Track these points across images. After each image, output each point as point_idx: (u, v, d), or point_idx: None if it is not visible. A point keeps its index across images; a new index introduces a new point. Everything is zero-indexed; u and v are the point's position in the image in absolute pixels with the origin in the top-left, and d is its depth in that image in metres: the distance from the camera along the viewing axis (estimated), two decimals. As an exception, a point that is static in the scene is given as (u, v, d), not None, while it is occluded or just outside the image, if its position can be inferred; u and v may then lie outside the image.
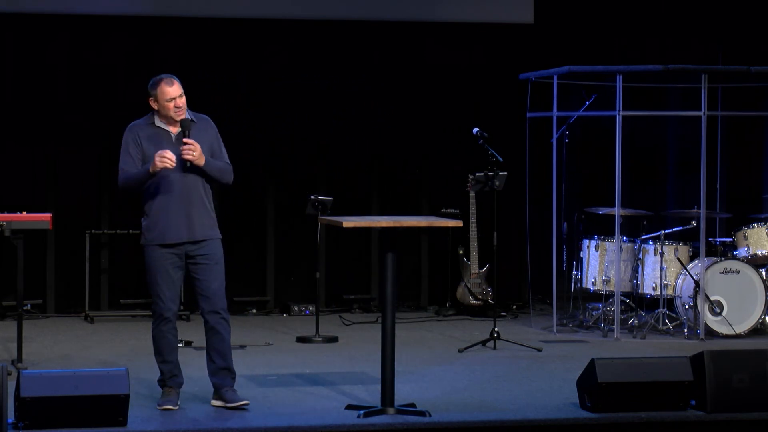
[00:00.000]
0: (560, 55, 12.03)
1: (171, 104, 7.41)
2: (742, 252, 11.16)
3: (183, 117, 7.45)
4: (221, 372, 7.56)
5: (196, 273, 7.52)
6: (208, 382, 8.45)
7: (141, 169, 7.44)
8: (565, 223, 11.43)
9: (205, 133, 7.55)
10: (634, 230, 11.26)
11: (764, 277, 10.81)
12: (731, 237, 11.36)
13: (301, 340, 10.43)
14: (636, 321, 11.01)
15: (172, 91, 7.41)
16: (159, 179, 7.43)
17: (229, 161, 7.62)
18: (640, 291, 11.13)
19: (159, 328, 7.53)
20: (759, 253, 11.10)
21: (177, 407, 7.47)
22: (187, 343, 10.07)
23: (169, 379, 7.57)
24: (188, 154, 7.33)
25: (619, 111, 10.62)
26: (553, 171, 11.02)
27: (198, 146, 7.37)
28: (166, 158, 7.28)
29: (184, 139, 7.37)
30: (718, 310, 10.67)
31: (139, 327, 11.19)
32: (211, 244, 7.54)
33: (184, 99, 7.45)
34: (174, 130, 7.50)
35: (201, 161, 7.39)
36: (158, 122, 7.51)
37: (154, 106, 7.49)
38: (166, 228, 7.48)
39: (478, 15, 12.63)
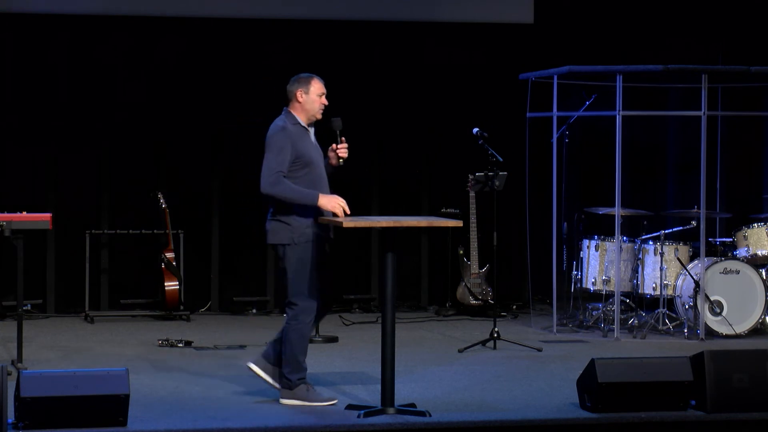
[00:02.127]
0: (560, 55, 12.03)
1: (322, 99, 7.62)
2: (742, 252, 11.16)
3: (319, 117, 7.67)
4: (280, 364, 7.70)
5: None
6: (209, 381, 8.47)
7: (305, 193, 7.48)
8: (565, 223, 11.43)
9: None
10: (634, 230, 11.26)
11: (764, 277, 10.81)
12: (731, 237, 11.36)
13: (301, 340, 10.42)
14: (636, 321, 11.01)
15: (322, 88, 7.64)
16: (313, 179, 7.57)
17: None
18: (640, 291, 11.13)
19: (309, 321, 7.68)
20: (759, 253, 11.11)
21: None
22: (187, 343, 10.08)
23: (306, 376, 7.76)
24: (344, 154, 7.67)
25: (619, 111, 10.63)
26: (553, 171, 11.02)
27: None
28: (340, 206, 7.46)
29: (342, 138, 7.66)
30: (718, 310, 10.68)
31: (139, 327, 11.20)
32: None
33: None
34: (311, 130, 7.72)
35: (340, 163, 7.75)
36: (301, 121, 7.65)
37: (301, 100, 7.61)
38: (321, 224, 7.60)
39: (478, 15, 12.63)
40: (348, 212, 7.53)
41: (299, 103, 7.63)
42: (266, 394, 7.96)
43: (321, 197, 7.50)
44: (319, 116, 7.66)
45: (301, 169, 7.54)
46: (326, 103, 7.66)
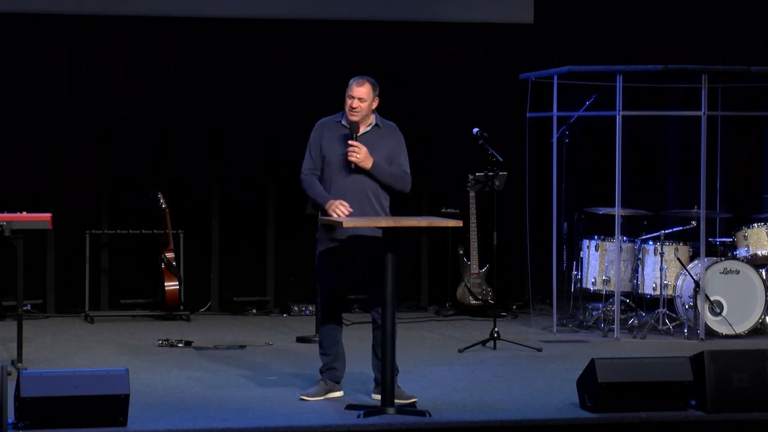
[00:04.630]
0: (560, 55, 12.03)
1: (349, 101, 7.68)
2: (742, 252, 11.16)
3: (356, 119, 7.68)
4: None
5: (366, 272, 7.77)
6: (209, 381, 8.47)
7: (320, 197, 7.69)
8: (565, 223, 11.43)
9: (385, 139, 7.80)
10: (634, 230, 11.26)
11: (764, 277, 10.81)
12: (731, 237, 11.36)
13: (301, 340, 10.43)
14: (636, 321, 11.01)
15: (353, 89, 7.70)
16: (333, 181, 7.69)
17: (408, 170, 7.84)
18: (640, 291, 11.13)
19: (327, 322, 7.95)
20: (759, 253, 11.10)
21: (311, 398, 7.75)
22: (187, 343, 10.08)
23: (326, 371, 7.90)
24: (352, 156, 7.61)
25: (619, 111, 10.62)
26: (553, 171, 11.02)
27: (363, 149, 7.63)
28: (340, 209, 7.56)
29: (350, 141, 7.64)
30: (718, 310, 10.68)
31: (139, 327, 11.19)
32: (376, 245, 7.64)
33: (363, 104, 7.69)
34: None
35: (366, 164, 7.65)
36: (345, 120, 7.74)
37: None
38: (329, 225, 7.68)
39: (478, 15, 12.63)
40: (347, 213, 7.57)
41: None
42: (266, 395, 7.97)
43: (328, 202, 7.61)
44: (351, 116, 7.70)
45: (326, 167, 7.75)
46: (355, 107, 7.68)
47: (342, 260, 7.78)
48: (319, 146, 7.77)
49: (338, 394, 7.90)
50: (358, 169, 7.68)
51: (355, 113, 7.69)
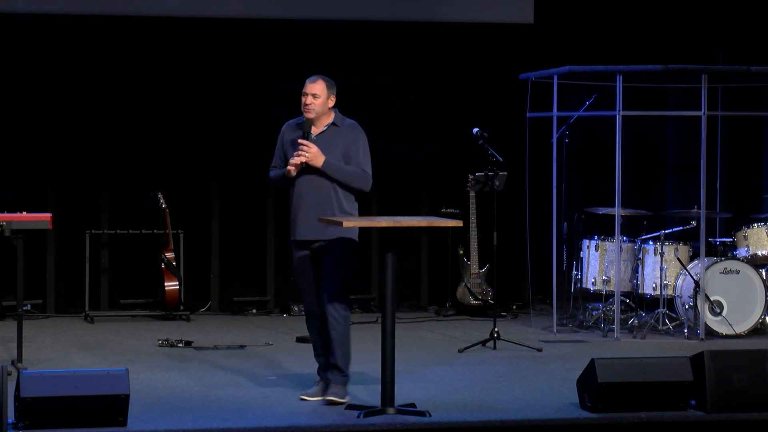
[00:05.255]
0: (560, 55, 12.03)
1: (302, 98, 7.68)
2: (742, 252, 11.16)
3: (311, 116, 7.67)
4: (331, 368, 7.71)
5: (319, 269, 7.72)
6: (210, 381, 8.47)
7: (279, 171, 7.78)
8: (565, 223, 11.43)
9: (342, 137, 7.72)
10: (634, 230, 11.26)
11: (764, 277, 10.81)
12: (731, 237, 11.36)
13: (301, 340, 10.42)
14: (636, 321, 11.01)
15: (306, 86, 7.70)
16: (296, 179, 7.69)
17: (366, 168, 7.73)
18: (640, 291, 11.13)
19: (307, 323, 7.88)
20: (759, 253, 11.10)
21: (315, 399, 7.68)
22: (187, 343, 10.08)
23: (321, 372, 7.83)
24: (301, 155, 7.58)
25: (619, 111, 10.62)
26: (553, 171, 11.02)
27: (314, 148, 7.58)
28: (291, 163, 7.61)
29: (299, 140, 7.62)
30: (718, 310, 10.68)
31: (139, 327, 11.20)
32: (331, 245, 7.66)
33: (317, 101, 7.66)
34: (314, 130, 7.73)
35: (316, 163, 7.59)
36: (305, 119, 7.75)
37: None
38: (292, 224, 7.75)
39: (478, 15, 12.63)
40: (297, 163, 7.57)
41: None
42: (266, 395, 7.97)
43: (285, 169, 7.72)
44: (305, 114, 7.70)
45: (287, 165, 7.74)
46: (308, 103, 7.67)
47: (303, 264, 7.76)
48: (281, 148, 7.81)
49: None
50: (315, 169, 7.62)
51: (309, 110, 7.66)
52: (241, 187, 12.32)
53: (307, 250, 7.74)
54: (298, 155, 7.59)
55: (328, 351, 7.71)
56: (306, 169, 7.64)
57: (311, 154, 7.58)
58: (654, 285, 11.02)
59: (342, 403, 7.57)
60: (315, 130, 7.72)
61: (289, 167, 7.66)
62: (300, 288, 7.85)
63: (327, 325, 7.66)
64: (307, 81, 7.72)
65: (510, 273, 12.59)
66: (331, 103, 7.75)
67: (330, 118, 7.75)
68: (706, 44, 12.83)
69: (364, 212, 12.00)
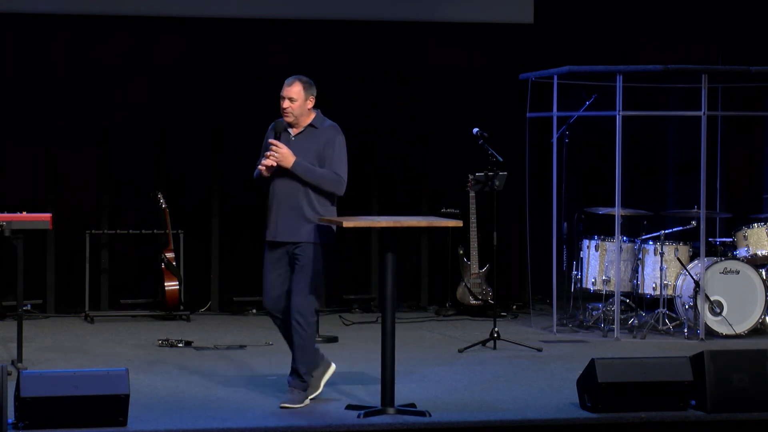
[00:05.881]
0: (560, 55, 12.03)
1: (281, 102, 7.62)
2: (742, 252, 11.16)
3: (290, 120, 7.61)
4: (292, 372, 7.68)
5: (291, 273, 7.64)
6: (209, 381, 8.47)
7: (257, 171, 7.76)
8: (565, 223, 11.43)
9: (315, 139, 7.63)
10: (634, 230, 11.26)
11: (764, 277, 10.81)
12: (731, 237, 11.36)
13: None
14: (636, 321, 11.01)
15: (284, 89, 7.64)
16: (270, 179, 7.65)
17: (340, 172, 7.60)
18: (640, 291, 11.13)
19: (275, 323, 7.77)
20: (759, 253, 11.10)
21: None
22: (187, 343, 10.08)
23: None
24: (271, 156, 7.53)
25: (619, 111, 10.62)
26: (553, 171, 11.02)
27: (283, 149, 7.52)
28: (263, 164, 7.59)
29: (270, 141, 7.58)
30: (718, 310, 10.68)
31: (139, 327, 11.19)
32: (304, 248, 7.57)
33: (294, 104, 7.59)
34: (294, 131, 7.68)
35: (285, 164, 7.53)
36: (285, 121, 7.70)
37: None
38: (268, 225, 7.66)
39: (478, 15, 12.63)
40: (265, 165, 7.56)
41: None
42: (266, 395, 7.97)
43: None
44: (284, 117, 7.64)
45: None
46: (285, 107, 7.60)
47: (272, 264, 7.66)
48: (265, 147, 7.72)
49: (331, 368, 7.84)
50: (289, 171, 7.55)
51: (287, 114, 7.60)
52: (241, 187, 12.28)
53: (279, 251, 7.63)
54: (269, 156, 7.55)
55: (292, 356, 7.65)
56: (280, 170, 7.57)
57: (281, 154, 7.51)
58: (654, 285, 11.02)
59: (298, 409, 7.52)
60: (294, 131, 7.66)
61: (260, 167, 7.63)
62: (264, 288, 7.71)
63: (290, 329, 7.60)
64: (285, 84, 7.64)
65: (510, 273, 12.59)
66: (310, 104, 7.66)
67: (310, 118, 7.67)
68: (706, 44, 12.83)
69: (364, 212, 12.08)
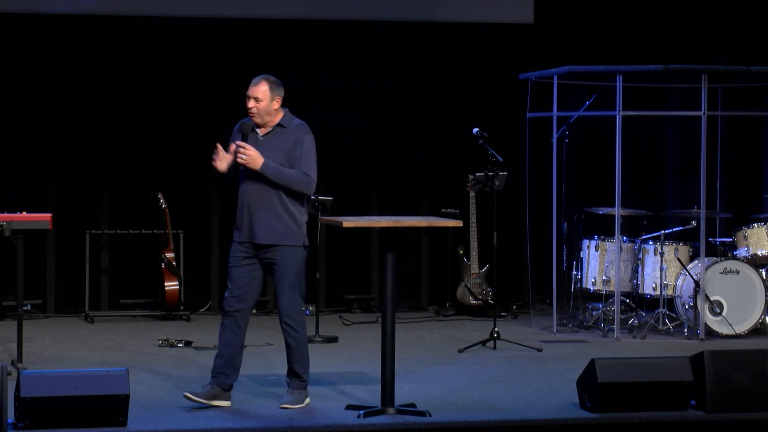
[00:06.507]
0: (560, 55, 12.04)
1: (246, 102, 7.54)
2: (742, 252, 11.16)
3: (257, 120, 7.54)
4: (289, 372, 7.65)
5: (272, 278, 7.60)
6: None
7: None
8: (565, 223, 11.43)
9: (284, 138, 7.55)
10: (634, 230, 11.26)
11: (764, 277, 10.81)
12: (731, 237, 11.36)
13: (301, 340, 10.41)
14: (636, 321, 11.01)
15: (249, 89, 7.55)
16: (240, 179, 7.58)
17: (309, 172, 7.51)
18: (640, 291, 11.14)
19: (222, 320, 7.63)
20: (759, 253, 11.11)
21: (199, 400, 7.45)
22: (188, 343, 10.08)
23: (215, 374, 7.58)
24: (239, 158, 7.44)
25: (619, 111, 10.63)
26: (553, 171, 11.02)
27: (251, 151, 7.43)
28: (217, 160, 7.55)
29: (237, 142, 7.50)
30: (718, 310, 10.68)
31: (139, 327, 11.20)
32: (281, 251, 7.51)
33: (260, 104, 7.51)
34: (262, 131, 7.61)
35: (254, 165, 7.43)
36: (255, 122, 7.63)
37: None
38: (238, 225, 7.60)
39: (478, 15, 12.63)
40: (219, 161, 7.53)
41: None
42: (266, 395, 7.97)
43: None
44: (251, 118, 7.56)
45: (237, 169, 7.61)
46: (251, 107, 7.53)
47: (243, 260, 7.57)
48: (229, 149, 7.61)
49: (224, 403, 7.54)
50: (255, 171, 7.47)
51: (253, 114, 7.53)
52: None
53: (250, 250, 7.55)
54: (238, 157, 7.44)
55: (287, 358, 7.61)
56: (249, 171, 7.49)
57: (249, 156, 7.42)
58: (654, 285, 11.02)
59: (299, 409, 7.51)
60: (262, 131, 7.58)
61: (216, 165, 7.54)
62: (228, 285, 7.60)
63: (283, 333, 7.57)
64: (251, 83, 7.56)
65: (510, 273, 12.59)
66: (277, 104, 7.56)
67: (278, 118, 7.59)
68: (706, 44, 12.83)
69: (364, 212, 12.08)
